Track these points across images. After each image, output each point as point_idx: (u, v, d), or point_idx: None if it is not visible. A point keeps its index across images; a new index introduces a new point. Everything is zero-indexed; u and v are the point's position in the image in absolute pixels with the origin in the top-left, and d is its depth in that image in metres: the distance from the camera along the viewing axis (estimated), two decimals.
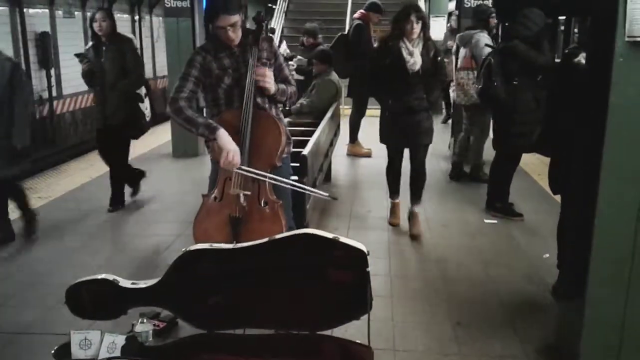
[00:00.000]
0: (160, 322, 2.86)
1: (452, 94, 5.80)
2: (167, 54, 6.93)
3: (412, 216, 4.39)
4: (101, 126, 4.75)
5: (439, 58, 4.20)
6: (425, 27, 4.10)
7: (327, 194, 2.79)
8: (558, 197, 3.47)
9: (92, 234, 4.35)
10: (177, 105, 2.72)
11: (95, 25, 4.50)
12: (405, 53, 4.02)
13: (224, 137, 2.64)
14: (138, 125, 4.79)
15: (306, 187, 2.72)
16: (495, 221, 4.64)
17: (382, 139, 4.48)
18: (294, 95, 2.98)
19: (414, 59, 4.01)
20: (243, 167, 2.66)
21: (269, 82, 2.75)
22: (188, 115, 2.70)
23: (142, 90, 4.80)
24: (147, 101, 4.83)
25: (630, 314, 2.45)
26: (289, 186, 2.78)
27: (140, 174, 5.20)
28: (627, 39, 2.22)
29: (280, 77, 2.90)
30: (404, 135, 4.28)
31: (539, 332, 2.91)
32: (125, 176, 5.02)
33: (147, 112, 4.84)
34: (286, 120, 3.26)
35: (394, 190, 4.63)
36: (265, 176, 2.70)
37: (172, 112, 2.76)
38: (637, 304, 2.44)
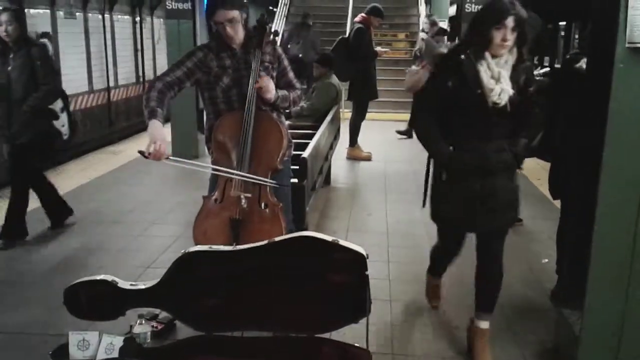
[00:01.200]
0: (158, 323, 2.86)
1: None
2: (167, 56, 6.94)
3: (476, 335, 2.79)
4: (8, 146, 4.15)
5: (531, 88, 2.64)
6: (524, 38, 2.56)
7: (274, 182, 2.76)
8: (558, 203, 3.47)
9: (91, 234, 4.35)
10: (154, 84, 2.72)
11: (0, 30, 3.91)
12: (486, 76, 2.50)
13: (153, 126, 2.59)
14: (50, 147, 4.21)
15: (256, 177, 2.70)
16: None
17: (435, 215, 2.90)
18: (297, 100, 2.96)
19: (501, 87, 2.50)
20: (171, 157, 2.65)
21: (269, 93, 2.74)
22: (150, 96, 2.67)
23: (58, 105, 4.14)
24: (64, 117, 4.20)
25: (628, 319, 2.46)
26: (235, 177, 2.72)
27: (67, 212, 4.54)
28: (627, 45, 2.23)
29: (283, 81, 2.90)
30: (471, 211, 2.72)
31: (537, 337, 2.91)
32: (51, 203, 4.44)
33: (65, 129, 4.21)
34: (286, 123, 3.26)
35: (439, 270, 3.28)
36: (230, 172, 2.69)
37: (146, 89, 2.75)
38: (636, 310, 2.45)
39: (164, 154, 2.57)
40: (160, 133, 2.58)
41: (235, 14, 2.70)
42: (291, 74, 2.94)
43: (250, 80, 2.71)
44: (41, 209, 4.38)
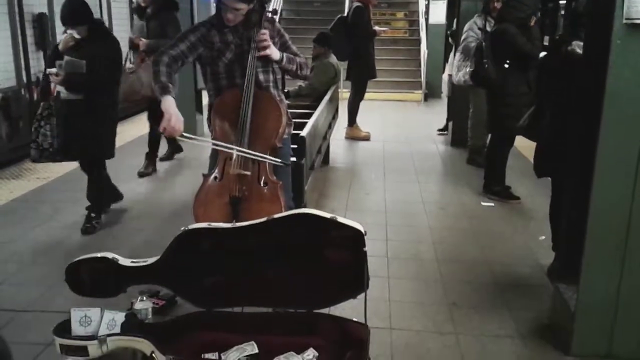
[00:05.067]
0: (159, 300, 2.89)
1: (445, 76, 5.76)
2: None
3: None
4: None
5: None
6: None
7: (279, 160, 2.79)
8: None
9: None
10: (160, 58, 2.74)
11: None
12: None
13: (168, 102, 2.63)
14: None
15: (259, 154, 2.72)
16: (492, 204, 4.67)
17: None
18: (305, 66, 2.95)
19: None
20: (185, 135, 2.67)
21: (271, 49, 2.74)
22: (160, 70, 2.70)
23: None
24: None
25: (623, 294, 2.49)
26: (232, 151, 2.73)
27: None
28: (625, 21, 2.23)
29: (287, 52, 2.89)
30: None
31: (533, 313, 2.95)
32: None
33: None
34: (285, 102, 3.26)
35: None
36: (229, 147, 2.70)
37: (153, 61, 2.78)
38: (631, 284, 2.48)
39: (178, 130, 2.61)
40: (174, 109, 2.62)
41: (243, 6, 2.71)
42: (293, 47, 2.94)
43: (250, 56, 2.71)
44: (39, 189, 4.40)
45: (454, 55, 7.10)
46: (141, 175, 5.37)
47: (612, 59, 2.31)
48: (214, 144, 2.77)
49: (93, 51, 3.80)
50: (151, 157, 5.50)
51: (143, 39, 5.06)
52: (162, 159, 5.70)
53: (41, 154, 3.86)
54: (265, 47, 2.73)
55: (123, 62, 4.37)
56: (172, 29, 4.99)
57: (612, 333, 2.54)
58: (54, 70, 3.81)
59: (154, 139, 5.44)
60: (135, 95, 5.01)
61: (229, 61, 2.80)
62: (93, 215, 4.06)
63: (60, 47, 3.88)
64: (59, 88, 3.83)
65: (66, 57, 3.79)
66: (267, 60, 2.80)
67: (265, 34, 2.73)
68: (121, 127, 5.23)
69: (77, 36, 3.82)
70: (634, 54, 2.30)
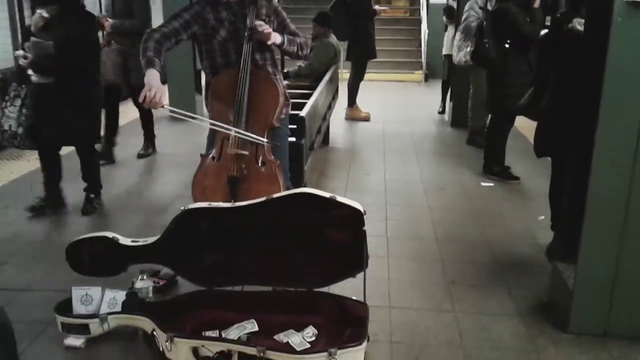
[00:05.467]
0: (160, 279, 2.91)
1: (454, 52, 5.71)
2: (163, 16, 6.84)
3: None
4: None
5: None
6: None
7: (266, 140, 2.77)
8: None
9: None
10: (151, 34, 2.71)
11: None
12: None
13: (152, 75, 2.57)
14: None
15: (253, 135, 2.70)
16: (491, 184, 4.68)
17: None
18: (305, 46, 2.91)
19: None
20: (168, 107, 2.62)
21: (271, 35, 2.71)
22: (148, 46, 2.66)
23: None
24: None
25: (621, 272, 2.50)
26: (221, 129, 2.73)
27: None
28: None
29: (285, 32, 2.86)
30: None
31: (532, 291, 2.96)
32: None
33: None
34: (284, 83, 3.24)
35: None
36: (227, 128, 2.69)
37: (143, 39, 2.73)
38: (629, 263, 2.49)
39: (159, 102, 2.54)
40: (156, 81, 2.55)
41: None
42: (292, 26, 2.91)
43: (246, 34, 2.69)
44: (36, 171, 4.40)
45: (448, 33, 7.09)
46: (140, 156, 5.33)
47: (612, 37, 2.29)
48: (212, 124, 2.75)
49: (63, 32, 3.58)
50: (149, 137, 5.45)
51: (109, 19, 4.82)
52: (140, 156, 5.37)
53: (1, 135, 3.70)
54: (266, 35, 2.69)
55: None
56: (138, 8, 4.81)
57: (610, 311, 2.56)
58: (20, 52, 3.63)
59: (146, 120, 5.37)
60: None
61: (223, 39, 2.78)
62: (92, 196, 4.04)
63: (32, 27, 3.69)
64: (30, 71, 3.64)
65: (32, 39, 3.62)
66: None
67: (262, 25, 2.69)
68: (120, 107, 5.23)
69: (45, 15, 3.60)
70: (634, 31, 2.28)
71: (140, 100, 2.54)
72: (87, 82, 3.80)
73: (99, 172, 4.17)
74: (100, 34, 4.85)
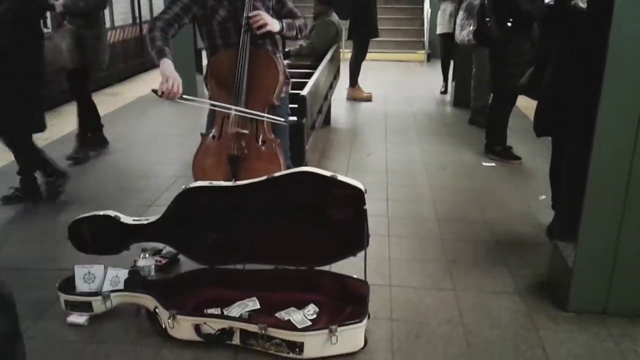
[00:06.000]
0: (162, 258, 2.92)
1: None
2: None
3: None
4: None
5: None
6: None
7: (282, 119, 2.76)
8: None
9: (92, 174, 4.39)
10: (154, 24, 2.70)
11: None
12: None
13: (166, 65, 2.57)
14: None
15: (258, 112, 2.69)
16: (493, 164, 4.67)
17: None
18: (304, 27, 2.87)
19: None
20: (186, 97, 2.60)
21: (269, 25, 2.68)
22: (154, 36, 2.66)
23: None
24: None
25: (621, 251, 2.51)
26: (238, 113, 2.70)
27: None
28: None
29: (284, 11, 2.83)
30: None
31: (532, 270, 2.97)
32: None
33: None
34: (285, 62, 3.22)
35: None
36: (228, 108, 2.68)
37: (147, 29, 2.74)
38: (629, 241, 2.49)
39: (177, 93, 2.55)
40: (172, 71, 2.57)
41: None
42: (290, 3, 2.88)
43: (244, 12, 2.67)
44: None
45: (442, 12, 7.03)
46: (72, 158, 4.61)
47: (615, 13, 2.27)
48: (212, 105, 2.73)
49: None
50: (88, 137, 4.81)
51: None
52: (70, 157, 4.64)
53: None
54: (263, 26, 2.66)
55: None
56: None
57: (609, 289, 2.57)
58: None
59: (84, 114, 4.76)
60: (51, 66, 4.10)
61: (222, 19, 2.75)
62: (50, 179, 3.84)
63: None
64: None
65: None
66: None
67: (257, 14, 2.65)
68: (119, 88, 5.22)
69: None
70: (638, 9, 2.26)
71: (159, 93, 2.54)
72: (26, 66, 3.48)
73: (31, 167, 3.83)
74: (48, 15, 4.64)
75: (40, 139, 4.04)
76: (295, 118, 3.30)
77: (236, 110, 2.66)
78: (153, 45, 2.64)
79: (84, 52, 4.44)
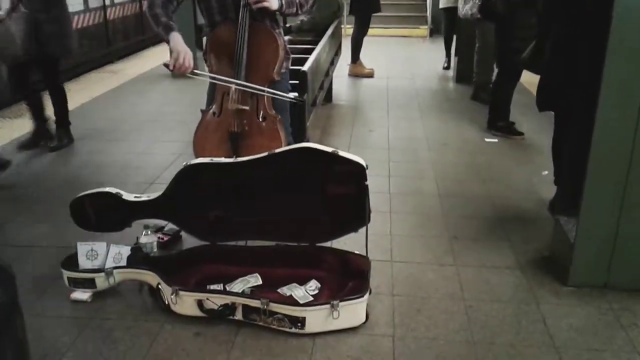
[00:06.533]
0: (164, 235, 2.93)
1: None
2: None
3: None
4: None
5: None
6: None
7: (292, 97, 2.75)
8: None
9: (94, 152, 4.38)
10: (152, 2, 2.66)
11: None
12: None
13: (176, 39, 2.56)
14: None
15: (274, 91, 2.67)
16: (495, 140, 4.65)
17: None
18: (305, 3, 2.80)
19: None
20: (196, 72, 2.59)
21: (268, 2, 2.62)
22: (157, 13, 2.63)
23: None
24: None
25: (622, 226, 2.51)
26: (257, 91, 2.69)
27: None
28: None
29: None
30: None
31: (533, 246, 2.98)
32: None
33: None
34: (286, 38, 3.19)
35: None
36: (229, 82, 2.65)
37: (147, 6, 2.69)
38: (630, 217, 2.49)
39: (189, 67, 2.55)
40: (183, 45, 2.56)
41: None
42: None
43: (242, 5, 2.63)
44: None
45: None
46: (53, 149, 4.37)
47: None
48: (223, 80, 2.69)
49: None
50: (63, 124, 4.52)
51: None
52: (22, 146, 4.38)
53: None
54: (260, 1, 2.60)
55: None
56: None
57: (610, 264, 2.57)
58: None
59: (60, 104, 4.50)
60: (2, 51, 3.85)
61: None
62: None
63: None
64: None
65: None
66: None
67: None
68: (120, 65, 5.19)
69: None
70: None
71: (171, 68, 2.53)
72: None
73: None
74: None
75: None
76: (296, 94, 3.28)
77: (243, 86, 2.63)
78: (158, 22, 2.62)
79: (46, 40, 4.04)
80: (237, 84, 2.64)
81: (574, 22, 2.94)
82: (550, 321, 2.38)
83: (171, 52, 2.57)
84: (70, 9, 8.27)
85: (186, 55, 2.53)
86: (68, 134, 4.52)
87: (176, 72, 2.55)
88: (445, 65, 7.38)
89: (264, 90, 2.67)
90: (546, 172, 3.78)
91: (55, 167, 4.08)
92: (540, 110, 3.35)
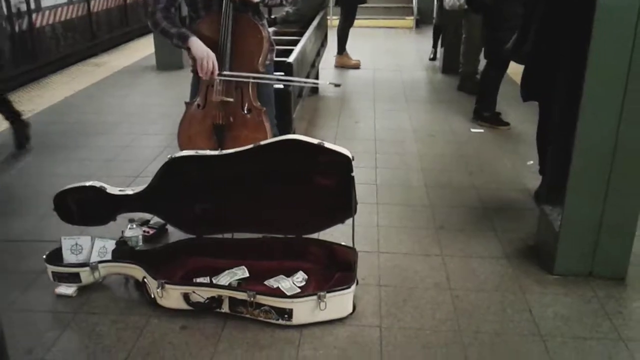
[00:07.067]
0: (150, 228, 2.91)
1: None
2: None
3: None
4: None
5: None
6: None
7: (320, 82, 2.76)
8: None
9: (77, 146, 4.34)
10: (154, 18, 2.68)
11: None
12: None
13: (196, 44, 2.58)
14: None
15: (295, 78, 2.68)
16: (481, 130, 4.67)
17: None
18: None
19: None
20: (225, 73, 2.61)
21: None
22: (163, 27, 2.66)
23: None
24: None
25: (607, 216, 2.53)
26: (273, 82, 2.72)
27: None
28: None
29: None
30: None
31: (519, 235, 2.99)
32: None
33: None
34: (272, 29, 3.17)
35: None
36: (250, 77, 2.66)
37: (150, 25, 2.72)
38: (614, 207, 2.51)
39: (216, 69, 2.58)
40: (204, 48, 2.58)
41: None
42: None
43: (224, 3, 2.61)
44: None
45: None
46: (15, 156, 4.15)
47: None
48: (255, 78, 2.67)
49: None
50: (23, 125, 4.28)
51: None
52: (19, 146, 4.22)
53: None
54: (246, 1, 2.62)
55: None
56: None
57: (595, 253, 2.59)
58: None
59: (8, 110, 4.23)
60: None
61: None
62: None
63: None
64: None
65: None
66: None
67: None
68: (104, 58, 5.13)
69: None
70: None
71: (201, 75, 2.56)
72: None
73: None
74: None
75: None
76: (281, 85, 3.26)
77: (219, 76, 2.61)
78: (169, 34, 2.64)
79: None
80: (274, 80, 2.61)
81: (557, 9, 2.94)
82: (536, 310, 2.40)
83: (194, 59, 2.58)
84: (54, 1, 8.25)
85: (209, 58, 2.55)
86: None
87: (204, 77, 2.58)
88: (432, 56, 7.38)
89: (244, 77, 2.64)
90: (531, 162, 3.80)
91: (39, 161, 4.03)
92: (525, 100, 3.36)
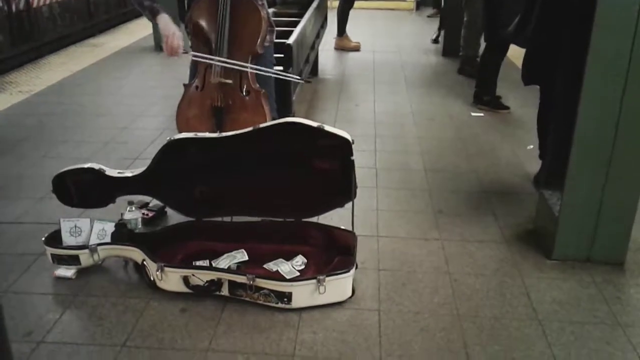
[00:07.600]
0: (149, 211, 2.90)
1: None
2: None
3: None
4: None
5: None
6: None
7: (298, 77, 2.74)
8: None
9: (75, 127, 4.32)
10: None
11: None
12: None
13: (164, 20, 2.58)
14: None
15: (280, 72, 2.65)
16: (481, 114, 4.65)
17: None
18: None
19: None
20: (192, 53, 2.59)
21: None
22: None
23: None
24: None
25: (606, 199, 2.52)
26: (247, 69, 2.69)
27: None
28: None
29: None
30: None
31: (518, 219, 3.00)
32: None
33: None
34: (271, 10, 3.13)
35: None
36: (214, 59, 2.64)
37: None
38: (613, 191, 2.51)
39: (178, 47, 2.57)
40: (171, 26, 2.57)
41: None
42: None
43: None
44: (22, 102, 4.27)
45: None
46: None
47: None
48: (194, 56, 2.65)
49: None
50: None
51: None
52: None
53: None
54: None
55: None
56: None
57: (594, 238, 2.60)
58: None
59: None
60: None
61: None
62: None
63: None
64: None
65: None
66: None
67: None
68: (102, 39, 5.08)
69: None
70: None
71: (165, 51, 2.57)
72: None
73: None
74: None
75: None
76: (281, 68, 3.24)
77: (218, 62, 2.59)
78: (142, 6, 2.61)
79: None
80: (214, 59, 2.59)
81: None
82: (534, 294, 2.41)
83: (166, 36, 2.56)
84: None
85: (174, 36, 2.54)
86: None
87: (168, 54, 2.57)
88: (434, 37, 7.28)
89: (241, 65, 2.62)
90: (531, 147, 3.79)
91: (36, 143, 4.01)
92: (526, 84, 3.34)
